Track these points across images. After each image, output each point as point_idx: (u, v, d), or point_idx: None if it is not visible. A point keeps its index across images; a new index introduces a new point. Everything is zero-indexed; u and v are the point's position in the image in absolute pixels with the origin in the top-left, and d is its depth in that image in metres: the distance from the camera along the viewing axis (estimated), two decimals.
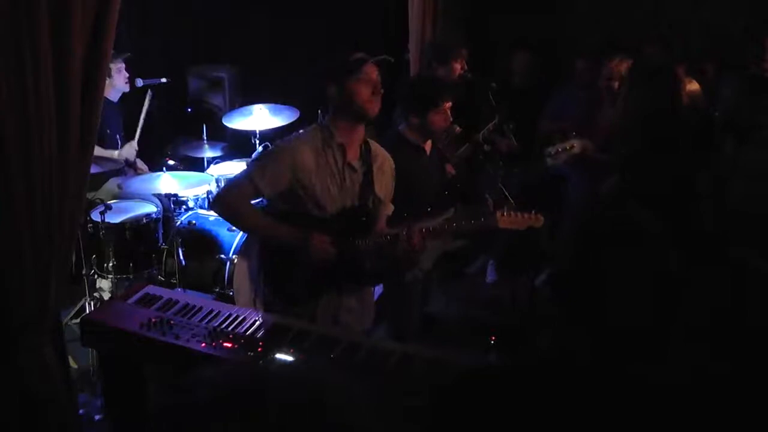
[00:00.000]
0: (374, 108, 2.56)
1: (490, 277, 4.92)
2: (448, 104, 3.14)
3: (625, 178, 3.43)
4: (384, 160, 2.75)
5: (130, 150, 4.40)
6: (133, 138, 4.43)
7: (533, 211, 2.78)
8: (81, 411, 3.10)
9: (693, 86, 3.90)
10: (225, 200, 2.69)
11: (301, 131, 2.70)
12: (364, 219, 2.65)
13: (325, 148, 2.59)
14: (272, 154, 2.66)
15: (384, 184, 2.74)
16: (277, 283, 2.69)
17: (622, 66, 4.07)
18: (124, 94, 4.45)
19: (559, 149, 3.44)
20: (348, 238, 2.60)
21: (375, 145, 2.75)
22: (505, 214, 2.78)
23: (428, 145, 3.29)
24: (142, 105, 4.47)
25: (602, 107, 4.22)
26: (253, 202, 2.69)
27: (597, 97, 4.32)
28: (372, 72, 2.54)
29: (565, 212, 4.61)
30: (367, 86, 2.52)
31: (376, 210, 2.70)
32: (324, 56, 2.68)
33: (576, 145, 3.48)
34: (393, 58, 2.62)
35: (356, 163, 2.64)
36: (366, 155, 2.67)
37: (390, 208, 2.85)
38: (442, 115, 3.12)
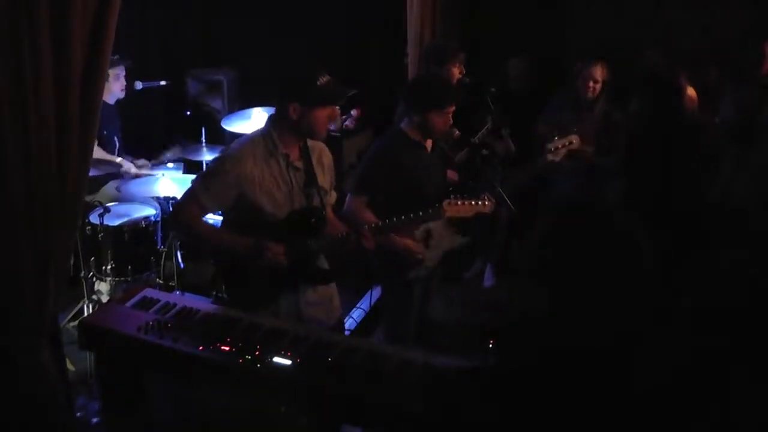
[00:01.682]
0: (324, 132, 2.65)
1: (488, 280, 4.92)
2: (452, 108, 3.14)
3: (629, 182, 3.44)
4: (321, 152, 2.77)
5: (130, 168, 4.39)
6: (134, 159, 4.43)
7: (483, 197, 2.84)
8: (78, 414, 3.10)
9: (690, 92, 3.91)
10: (177, 221, 2.74)
11: (242, 140, 2.68)
12: (313, 220, 2.67)
13: (268, 158, 2.60)
14: (215, 170, 2.62)
15: (325, 174, 2.77)
16: (235, 291, 2.76)
17: (599, 71, 4.10)
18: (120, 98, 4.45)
19: (559, 145, 3.45)
20: (300, 240, 2.63)
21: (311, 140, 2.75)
22: (450, 203, 2.83)
23: (429, 143, 3.30)
24: (142, 108, 4.48)
25: (585, 111, 4.25)
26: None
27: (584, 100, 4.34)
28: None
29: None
30: (330, 114, 2.59)
31: (324, 205, 2.72)
32: (289, 71, 2.65)
33: (575, 140, 3.49)
34: (357, 90, 2.65)
35: (298, 163, 2.67)
36: (305, 151, 2.69)
37: (333, 197, 2.88)
38: (444, 117, 3.13)
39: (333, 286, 2.88)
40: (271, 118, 2.67)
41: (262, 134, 2.64)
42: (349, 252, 2.71)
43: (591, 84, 4.14)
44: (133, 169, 4.34)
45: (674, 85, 3.50)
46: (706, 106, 3.93)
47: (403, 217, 2.80)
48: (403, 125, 3.23)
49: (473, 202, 2.83)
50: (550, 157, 3.45)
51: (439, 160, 3.41)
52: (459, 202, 2.83)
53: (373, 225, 2.76)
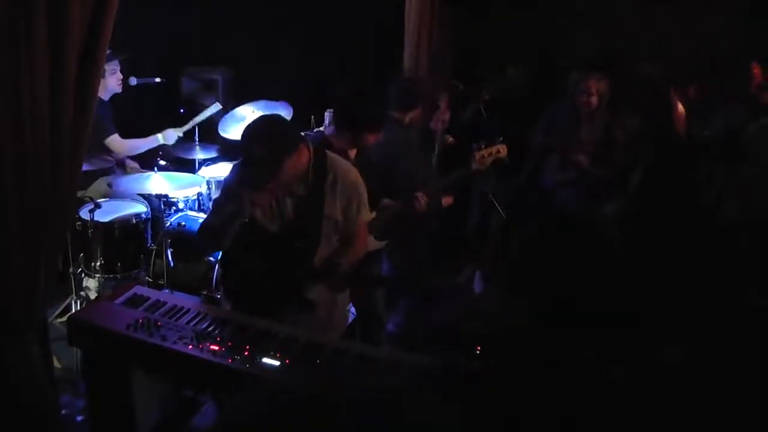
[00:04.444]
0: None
1: (477, 287, 4.94)
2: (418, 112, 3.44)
3: (624, 197, 3.47)
4: (339, 176, 2.63)
5: (173, 135, 4.35)
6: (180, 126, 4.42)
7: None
8: (63, 411, 3.08)
9: (679, 108, 3.95)
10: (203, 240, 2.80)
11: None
12: (298, 246, 2.59)
13: None
14: (222, 190, 2.74)
15: (339, 199, 2.63)
16: (234, 298, 2.74)
17: (598, 84, 4.12)
18: (116, 94, 4.43)
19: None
20: (287, 261, 2.60)
21: (333, 160, 2.66)
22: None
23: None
24: (137, 104, 4.47)
25: (584, 123, 4.27)
26: None
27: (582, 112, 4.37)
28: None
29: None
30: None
31: (318, 234, 2.62)
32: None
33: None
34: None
35: (299, 188, 2.57)
36: (315, 174, 2.57)
37: (366, 216, 2.77)
38: (419, 116, 3.44)
39: (329, 309, 2.76)
40: None
41: None
42: (334, 283, 2.70)
43: (586, 98, 4.15)
44: (161, 138, 4.34)
45: (664, 102, 3.54)
46: (695, 122, 3.97)
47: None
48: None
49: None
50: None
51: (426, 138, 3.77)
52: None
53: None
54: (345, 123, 3.05)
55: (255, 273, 2.61)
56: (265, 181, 2.46)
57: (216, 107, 4.56)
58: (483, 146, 3.49)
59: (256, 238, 2.58)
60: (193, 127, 4.61)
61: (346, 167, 2.70)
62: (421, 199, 3.23)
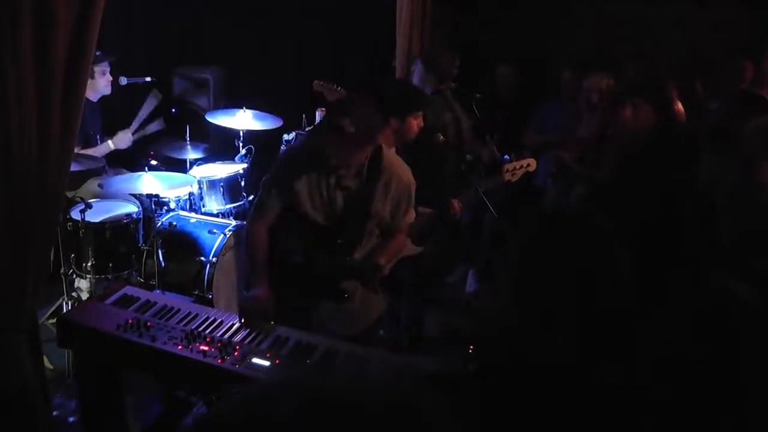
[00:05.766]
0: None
1: (470, 286, 4.95)
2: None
3: (608, 192, 3.47)
4: (392, 176, 2.61)
5: (124, 138, 4.34)
6: (127, 127, 4.38)
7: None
8: (55, 413, 3.07)
9: (678, 106, 3.96)
10: (248, 227, 2.74)
11: (304, 137, 2.72)
12: (339, 242, 2.61)
13: (317, 165, 2.56)
14: (274, 169, 2.66)
15: (390, 199, 2.63)
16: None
17: (602, 82, 4.13)
18: (104, 95, 4.41)
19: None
20: (326, 253, 2.61)
21: (390, 160, 2.65)
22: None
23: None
24: (126, 104, 4.45)
25: (583, 120, 4.28)
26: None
27: (580, 110, 4.38)
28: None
29: None
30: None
31: (361, 231, 2.63)
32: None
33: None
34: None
35: (351, 181, 2.57)
36: (372, 168, 2.57)
37: (411, 216, 2.78)
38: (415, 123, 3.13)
39: (364, 300, 2.76)
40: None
41: (319, 133, 2.70)
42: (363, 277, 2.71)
43: (594, 97, 4.17)
44: (112, 145, 4.30)
45: (663, 97, 3.53)
46: (691, 119, 3.98)
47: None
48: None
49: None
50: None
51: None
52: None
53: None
54: (386, 113, 2.99)
55: (295, 262, 2.61)
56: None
57: (155, 98, 4.51)
58: (513, 158, 3.56)
59: (299, 228, 2.58)
60: (184, 126, 4.60)
61: (401, 167, 2.69)
62: (456, 205, 3.24)
